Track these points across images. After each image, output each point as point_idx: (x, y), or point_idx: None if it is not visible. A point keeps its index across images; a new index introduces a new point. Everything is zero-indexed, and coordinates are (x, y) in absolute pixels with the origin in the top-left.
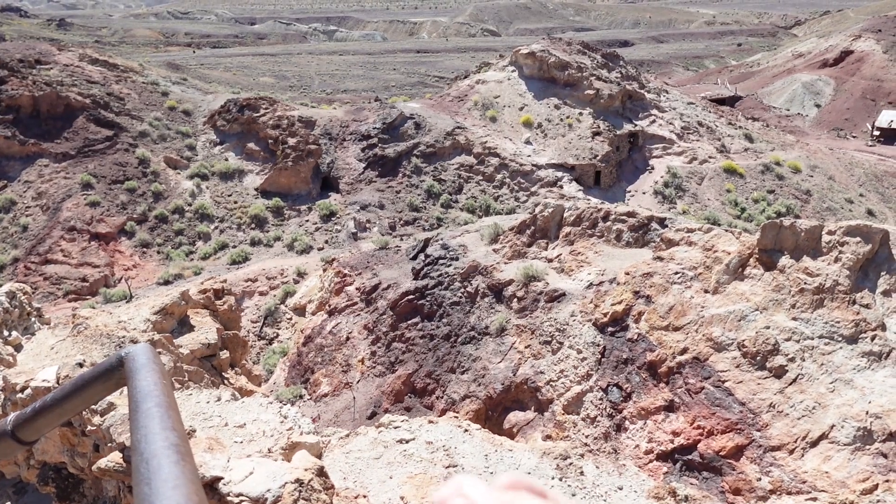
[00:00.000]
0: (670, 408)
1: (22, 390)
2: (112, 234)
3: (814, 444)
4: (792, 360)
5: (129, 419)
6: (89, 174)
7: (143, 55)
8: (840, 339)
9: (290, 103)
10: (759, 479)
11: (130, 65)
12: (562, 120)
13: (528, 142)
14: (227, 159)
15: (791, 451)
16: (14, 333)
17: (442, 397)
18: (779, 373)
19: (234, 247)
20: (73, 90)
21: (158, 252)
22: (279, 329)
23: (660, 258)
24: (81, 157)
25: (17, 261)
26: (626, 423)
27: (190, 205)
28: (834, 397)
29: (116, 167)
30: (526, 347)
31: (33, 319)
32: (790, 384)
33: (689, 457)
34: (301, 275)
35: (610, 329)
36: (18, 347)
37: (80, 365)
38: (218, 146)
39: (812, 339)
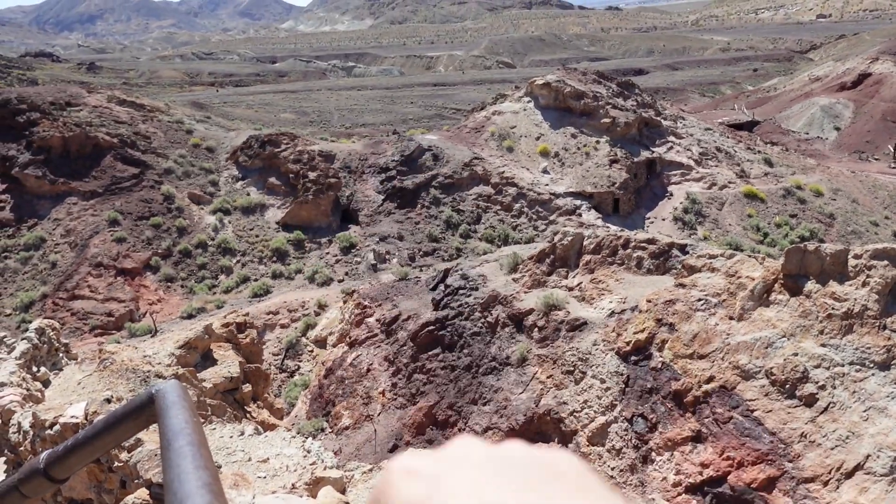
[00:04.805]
0: (698, 438)
1: (51, 426)
2: (137, 269)
3: (849, 475)
4: (822, 387)
5: (160, 457)
6: (116, 211)
7: (168, 95)
8: (871, 365)
9: (311, 138)
10: None
11: (156, 105)
12: (579, 148)
13: (545, 171)
14: (248, 194)
15: (825, 483)
16: (42, 369)
17: (464, 429)
18: (809, 401)
19: (256, 280)
20: (102, 130)
21: (182, 286)
22: (301, 361)
23: (682, 285)
24: (109, 195)
25: (45, 297)
26: (653, 454)
27: (213, 239)
28: (868, 426)
29: (142, 203)
30: (548, 377)
31: (61, 355)
32: (821, 413)
33: (720, 489)
34: (322, 307)
35: (633, 358)
36: (46, 383)
37: (108, 400)
38: (240, 181)
39: (842, 365)
